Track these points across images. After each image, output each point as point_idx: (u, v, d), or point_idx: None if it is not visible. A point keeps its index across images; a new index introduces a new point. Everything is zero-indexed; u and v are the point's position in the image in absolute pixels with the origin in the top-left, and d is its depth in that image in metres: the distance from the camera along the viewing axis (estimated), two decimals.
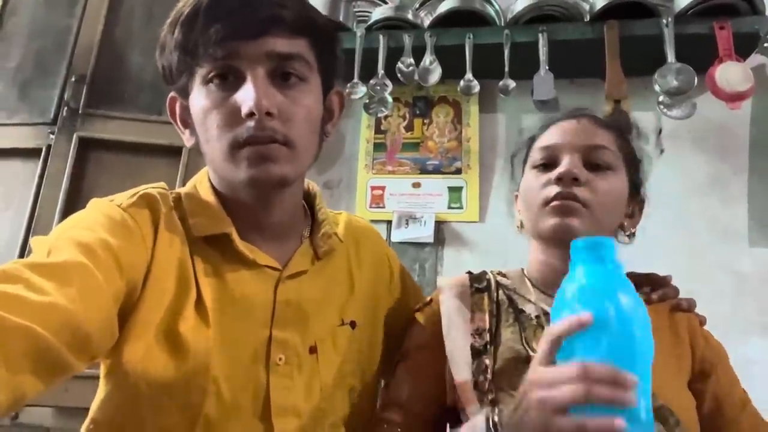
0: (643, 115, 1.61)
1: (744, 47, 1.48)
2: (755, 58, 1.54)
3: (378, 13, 1.68)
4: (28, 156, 1.61)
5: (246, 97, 0.67)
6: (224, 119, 0.69)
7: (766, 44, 1.47)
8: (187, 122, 0.78)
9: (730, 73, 1.42)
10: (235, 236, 0.75)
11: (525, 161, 0.92)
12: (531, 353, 0.79)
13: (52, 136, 1.59)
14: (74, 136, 1.57)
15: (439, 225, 1.67)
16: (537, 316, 0.83)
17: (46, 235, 0.65)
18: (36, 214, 1.52)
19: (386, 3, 1.77)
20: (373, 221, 1.72)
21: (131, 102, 1.64)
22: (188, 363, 0.68)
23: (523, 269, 0.92)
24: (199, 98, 0.71)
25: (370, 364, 0.87)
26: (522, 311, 0.85)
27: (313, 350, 0.77)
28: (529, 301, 0.86)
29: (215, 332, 0.71)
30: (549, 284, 0.86)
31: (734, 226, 1.53)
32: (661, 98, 1.49)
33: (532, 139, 0.92)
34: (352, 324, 0.84)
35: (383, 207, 1.72)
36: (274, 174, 0.70)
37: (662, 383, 0.76)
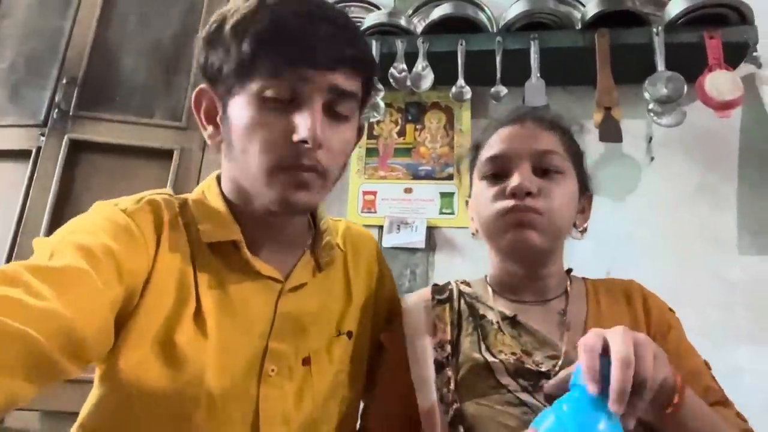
0: (633, 123, 1.62)
1: (734, 56, 1.49)
2: (745, 68, 1.55)
3: (371, 18, 1.68)
4: (18, 158, 1.60)
5: (304, 124, 0.68)
6: (272, 139, 0.69)
7: (755, 53, 1.48)
8: (213, 118, 0.76)
9: (720, 82, 1.43)
10: (243, 245, 0.74)
11: (472, 168, 0.92)
12: (491, 359, 0.78)
13: (42, 138, 1.58)
14: (65, 138, 1.56)
15: (431, 230, 1.67)
16: (497, 322, 0.83)
17: (47, 237, 0.65)
18: (25, 215, 1.51)
19: (380, 9, 1.78)
20: (364, 226, 1.72)
21: (122, 104, 1.63)
22: (183, 374, 0.67)
23: (486, 276, 0.92)
24: (248, 109, 0.70)
25: (361, 373, 0.87)
26: (483, 317, 0.85)
27: (306, 362, 0.77)
28: (489, 307, 0.86)
29: (213, 343, 0.70)
30: (509, 289, 0.87)
31: (724, 234, 1.54)
32: (651, 106, 1.50)
33: (478, 147, 0.91)
34: (349, 334, 0.84)
35: (375, 212, 1.72)
36: (304, 201, 0.71)
37: None
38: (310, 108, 0.69)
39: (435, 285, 0.93)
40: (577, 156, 0.88)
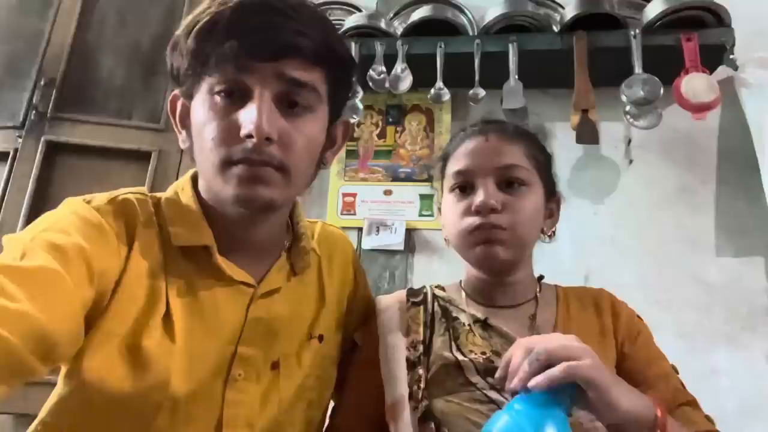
0: (612, 125, 1.63)
1: (711, 59, 1.50)
2: (723, 71, 1.56)
3: (351, 20, 1.68)
4: None
5: (248, 118, 0.66)
6: (222, 134, 0.67)
7: (732, 56, 1.49)
8: (185, 123, 0.76)
9: (695, 84, 1.44)
10: (214, 250, 0.73)
11: (441, 177, 0.93)
12: (461, 358, 0.80)
13: (19, 139, 1.57)
14: (42, 139, 1.56)
15: (410, 232, 1.67)
16: (469, 324, 0.85)
17: (18, 233, 0.64)
18: (0, 217, 1.50)
19: (360, 11, 1.78)
20: (343, 228, 1.71)
21: (100, 106, 1.62)
22: (147, 378, 0.66)
23: (460, 281, 0.94)
24: (202, 107, 0.70)
25: (330, 376, 0.86)
26: (456, 319, 0.87)
27: (275, 366, 0.76)
28: (462, 310, 0.88)
29: (180, 348, 0.69)
30: (481, 294, 0.89)
31: (701, 236, 1.55)
32: (627, 108, 1.50)
33: (446, 158, 0.92)
34: (320, 338, 0.83)
35: (354, 214, 1.72)
36: (263, 196, 0.68)
37: None
38: (256, 101, 0.67)
39: (410, 288, 0.95)
40: (542, 163, 0.89)
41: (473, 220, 0.82)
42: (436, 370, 0.81)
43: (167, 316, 0.70)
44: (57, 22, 1.69)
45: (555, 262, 1.61)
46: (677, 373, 0.84)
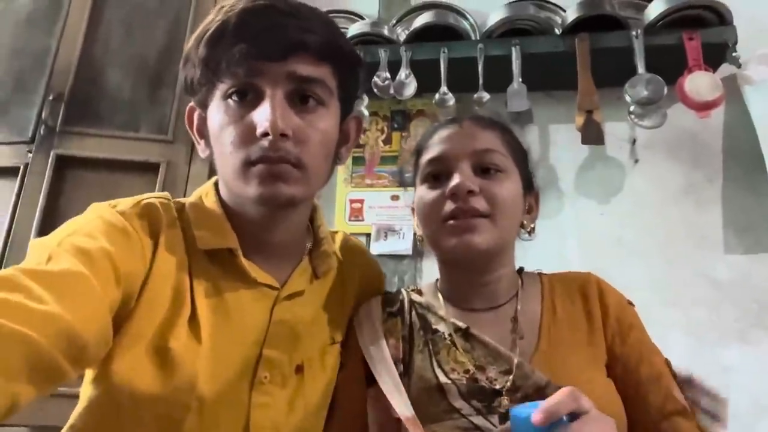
0: (617, 126, 1.64)
1: (714, 57, 1.50)
2: (726, 68, 1.56)
3: (354, 28, 1.70)
4: (6, 174, 1.60)
5: (262, 117, 0.68)
6: (239, 136, 0.70)
7: (734, 54, 1.49)
8: (203, 133, 0.78)
9: (699, 83, 1.44)
10: (239, 252, 0.75)
11: (415, 173, 0.90)
12: (442, 379, 0.75)
13: (29, 154, 1.59)
14: (51, 154, 1.57)
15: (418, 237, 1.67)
16: (450, 335, 0.80)
17: (44, 238, 0.65)
18: (12, 231, 1.51)
19: (363, 19, 1.80)
20: (351, 234, 1.73)
21: (108, 120, 1.63)
22: (175, 379, 0.67)
23: (436, 281, 0.90)
24: (217, 112, 0.72)
25: None
26: (436, 331, 0.82)
27: (299, 369, 0.77)
28: (441, 318, 0.83)
29: (206, 349, 0.70)
30: (459, 297, 0.85)
31: (709, 234, 1.55)
32: (632, 108, 1.51)
33: (419, 151, 0.89)
34: (342, 343, 0.85)
35: (362, 220, 1.73)
36: (283, 193, 0.70)
37: (579, 377, 0.72)
38: (268, 100, 0.69)
39: (386, 294, 0.90)
40: (519, 154, 0.86)
41: (449, 207, 0.78)
42: (418, 393, 0.75)
43: (193, 318, 0.71)
44: (64, 37, 1.70)
45: (563, 263, 1.60)
46: (670, 367, 0.79)
